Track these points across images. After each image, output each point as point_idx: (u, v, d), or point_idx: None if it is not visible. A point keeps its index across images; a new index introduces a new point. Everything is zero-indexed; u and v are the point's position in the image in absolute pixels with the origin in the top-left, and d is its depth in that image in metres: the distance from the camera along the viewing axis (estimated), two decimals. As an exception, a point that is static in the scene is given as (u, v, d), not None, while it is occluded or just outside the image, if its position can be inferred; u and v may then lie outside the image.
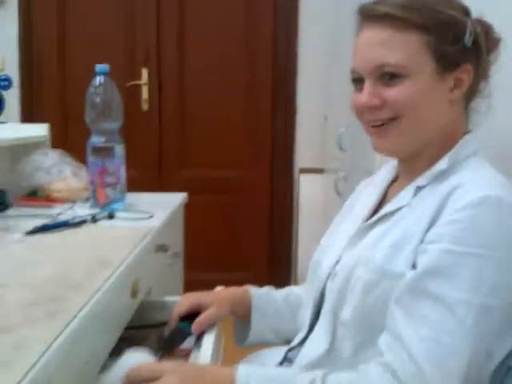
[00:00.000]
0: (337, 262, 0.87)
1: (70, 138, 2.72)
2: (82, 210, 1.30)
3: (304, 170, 2.81)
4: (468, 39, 0.78)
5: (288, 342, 0.97)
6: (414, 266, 0.74)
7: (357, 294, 0.78)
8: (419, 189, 0.81)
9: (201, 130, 2.87)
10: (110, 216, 1.24)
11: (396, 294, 0.73)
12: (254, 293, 1.01)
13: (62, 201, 1.42)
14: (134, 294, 0.97)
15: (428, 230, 0.74)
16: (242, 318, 1.01)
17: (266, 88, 2.85)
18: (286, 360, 0.91)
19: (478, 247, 0.69)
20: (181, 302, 0.98)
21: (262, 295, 1.01)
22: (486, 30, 0.82)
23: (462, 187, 0.74)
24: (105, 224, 1.20)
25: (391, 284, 0.74)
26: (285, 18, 2.81)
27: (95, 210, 1.29)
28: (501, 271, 0.68)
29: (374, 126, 0.82)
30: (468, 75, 0.80)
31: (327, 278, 0.87)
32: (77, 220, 1.18)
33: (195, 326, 0.92)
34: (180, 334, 0.93)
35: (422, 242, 0.74)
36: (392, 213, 0.82)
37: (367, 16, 0.81)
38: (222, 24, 2.81)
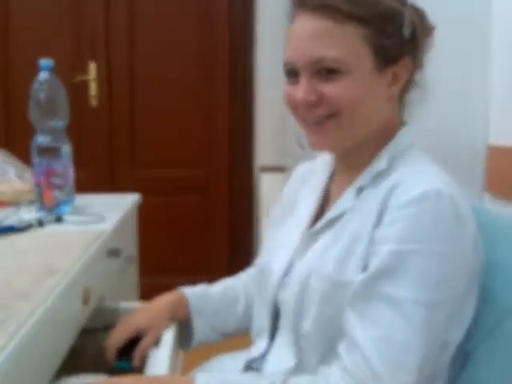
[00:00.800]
0: (286, 270, 0.86)
1: (13, 138, 2.61)
2: (28, 214, 1.24)
3: (264, 169, 2.78)
4: (406, 30, 0.76)
5: (228, 336, 0.99)
6: (364, 269, 0.74)
7: (315, 306, 0.78)
8: (361, 190, 0.81)
9: (153, 127, 2.80)
10: (58, 219, 1.19)
11: (350, 299, 0.73)
12: (190, 295, 0.98)
13: (6, 204, 1.35)
14: (85, 300, 0.93)
15: (374, 230, 0.74)
16: (181, 322, 0.98)
17: (222, 81, 2.80)
18: (250, 369, 0.89)
19: (420, 244, 0.69)
20: (115, 333, 0.93)
21: (199, 296, 0.99)
22: (421, 17, 0.81)
23: (400, 185, 0.74)
24: (52, 228, 1.15)
25: (346, 293, 0.74)
26: (240, 8, 2.77)
27: (42, 214, 1.23)
28: (444, 265, 0.70)
29: (312, 124, 0.80)
30: (406, 69, 0.79)
31: (278, 287, 0.86)
32: (22, 224, 1.12)
33: (138, 359, 0.89)
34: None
35: (370, 243, 0.74)
36: (337, 218, 0.81)
37: (303, 5, 0.78)
38: (174, 13, 2.73)
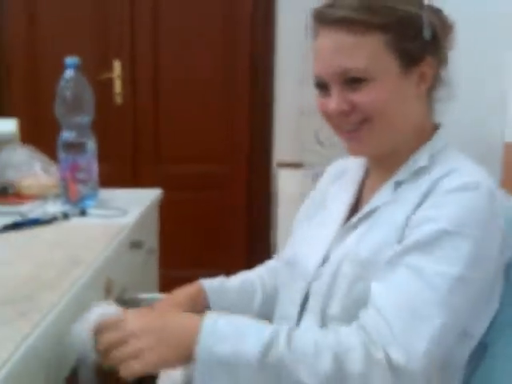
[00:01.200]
0: (323, 261, 0.87)
1: (40, 134, 2.66)
2: (53, 207, 1.27)
3: (282, 165, 2.79)
4: (427, 32, 0.78)
5: None
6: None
7: (343, 289, 0.79)
8: (398, 184, 0.82)
9: (176, 124, 2.84)
10: (82, 213, 1.22)
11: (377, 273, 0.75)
12: (208, 287, 0.99)
13: (33, 198, 1.39)
14: (107, 291, 0.96)
15: (412, 215, 0.76)
16: (199, 314, 0.99)
17: (243, 81, 2.83)
18: None
19: (457, 226, 0.72)
20: None
21: (217, 289, 1.00)
22: (440, 17, 0.83)
23: (446, 177, 0.76)
24: (77, 221, 1.18)
25: (376, 271, 0.76)
26: (263, 11, 2.79)
27: (66, 207, 1.27)
28: (478, 249, 0.72)
29: (347, 131, 0.82)
30: (430, 68, 0.81)
31: (313, 276, 0.87)
32: (48, 217, 1.15)
33: None
34: None
35: (405, 228, 0.76)
36: (373, 210, 0.83)
37: (323, 20, 0.81)
38: (198, 14, 2.75)
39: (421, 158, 0.82)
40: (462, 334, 0.74)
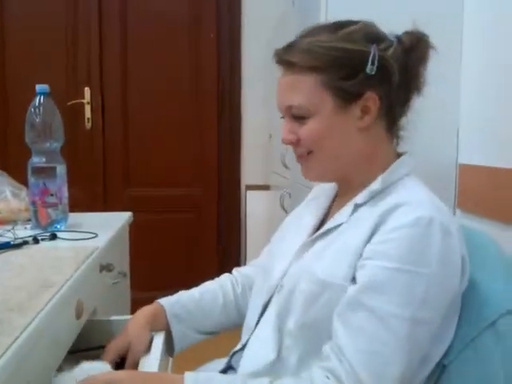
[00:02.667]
0: (284, 274, 0.91)
1: (10, 159, 2.66)
2: (24, 231, 1.28)
3: (250, 187, 2.85)
4: (370, 68, 0.82)
5: (212, 334, 1.04)
6: (353, 280, 0.78)
7: (300, 306, 0.82)
8: (357, 206, 0.86)
9: (145, 148, 2.87)
10: (53, 236, 1.23)
11: (338, 308, 0.77)
12: (165, 303, 1.02)
13: (3, 222, 1.39)
14: (78, 314, 0.97)
15: (365, 246, 0.79)
16: (163, 330, 1.01)
17: (211, 106, 2.89)
18: (230, 368, 0.94)
19: (409, 264, 0.74)
20: (105, 356, 0.95)
21: (174, 302, 1.03)
22: (412, 44, 0.87)
23: (398, 208, 0.78)
24: (47, 245, 1.19)
25: (332, 296, 0.79)
26: (227, 37, 2.86)
27: (37, 231, 1.27)
28: (430, 287, 0.74)
29: (298, 157, 0.90)
30: (374, 102, 0.84)
31: (275, 289, 0.91)
32: (18, 241, 1.16)
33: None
34: None
35: (360, 256, 0.78)
36: (333, 229, 0.87)
37: (276, 61, 0.89)
38: (165, 42, 2.83)
39: (375, 183, 0.86)
40: (422, 360, 0.76)
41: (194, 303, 1.04)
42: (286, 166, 2.12)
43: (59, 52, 2.78)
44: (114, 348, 0.95)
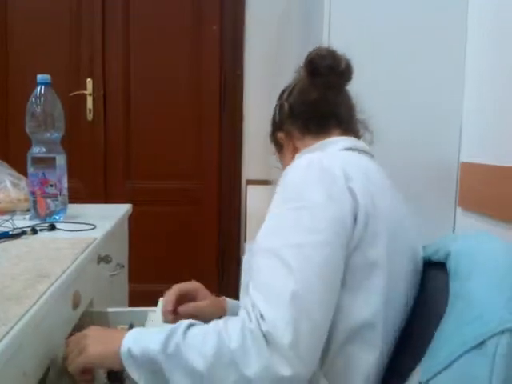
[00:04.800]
0: None
1: (11, 149, 2.66)
2: (22, 222, 1.28)
3: (251, 182, 2.85)
4: (276, 116, 1.08)
5: None
6: None
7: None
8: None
9: (146, 140, 2.87)
10: (51, 227, 1.23)
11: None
12: (229, 303, 1.10)
13: (2, 212, 1.39)
14: (75, 305, 0.97)
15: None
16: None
17: (212, 99, 2.88)
18: None
19: (291, 202, 0.81)
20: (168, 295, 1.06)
21: (236, 305, 1.08)
22: (312, 66, 1.00)
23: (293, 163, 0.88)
24: (45, 235, 1.19)
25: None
26: (231, 32, 2.85)
27: (35, 222, 1.27)
28: (314, 214, 0.78)
29: None
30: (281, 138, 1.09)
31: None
32: (17, 231, 1.16)
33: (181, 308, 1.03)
34: None
35: None
36: None
37: None
38: (168, 34, 2.82)
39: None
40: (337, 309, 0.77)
41: None
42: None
43: (62, 43, 2.77)
44: (178, 287, 1.07)
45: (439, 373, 0.70)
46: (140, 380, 0.77)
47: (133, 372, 0.78)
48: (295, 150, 1.04)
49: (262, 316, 0.71)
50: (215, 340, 0.73)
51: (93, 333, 0.86)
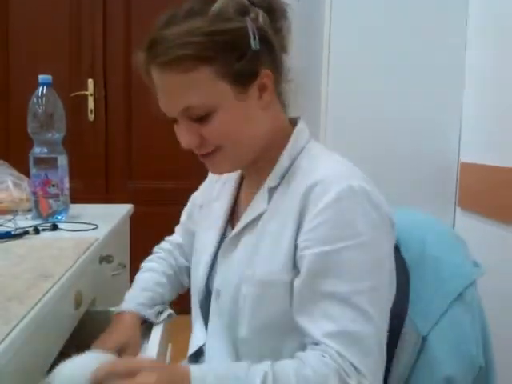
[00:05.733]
0: (209, 274, 0.90)
1: (12, 149, 2.66)
2: (24, 222, 1.28)
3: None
4: (254, 43, 0.76)
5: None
6: (294, 271, 0.77)
7: (247, 313, 0.80)
8: (272, 190, 0.83)
9: (148, 140, 2.87)
10: (53, 227, 1.23)
11: (295, 307, 0.76)
12: (133, 306, 0.99)
13: (4, 212, 1.39)
14: (77, 304, 0.97)
15: (298, 233, 0.77)
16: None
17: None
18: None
19: (343, 241, 0.73)
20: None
21: (136, 297, 1.02)
22: (269, 7, 0.79)
23: (315, 188, 0.76)
24: (47, 235, 1.19)
25: (276, 292, 0.78)
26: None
27: (38, 221, 1.28)
28: (371, 253, 0.74)
29: (201, 155, 0.84)
30: (269, 76, 0.79)
31: (205, 289, 0.90)
32: (19, 231, 1.16)
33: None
34: None
35: (295, 247, 0.77)
36: (254, 221, 0.84)
37: (153, 61, 0.78)
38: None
39: (284, 161, 0.83)
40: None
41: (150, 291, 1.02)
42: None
43: (63, 43, 2.78)
44: (111, 340, 0.90)
45: (436, 324, 0.86)
46: None
47: None
48: (266, 109, 0.81)
49: (357, 370, 0.69)
50: None
51: (154, 375, 0.68)
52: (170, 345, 1.10)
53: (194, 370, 0.70)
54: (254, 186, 0.87)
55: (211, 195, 1.00)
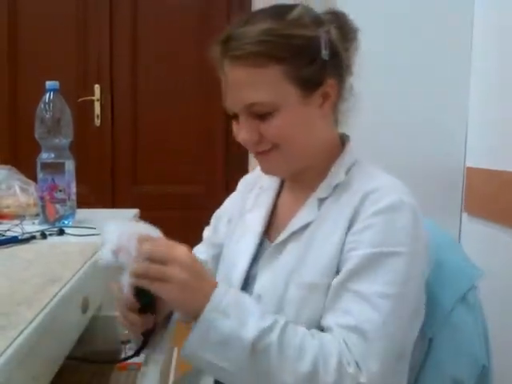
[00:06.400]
0: (246, 281, 0.89)
1: (20, 154, 2.68)
2: (32, 226, 1.29)
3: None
4: (325, 54, 0.80)
5: None
6: (337, 273, 0.78)
7: (292, 315, 0.80)
8: (321, 201, 0.84)
9: (154, 146, 2.88)
10: (60, 232, 1.24)
11: (326, 302, 0.78)
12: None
13: (11, 217, 1.40)
14: (84, 309, 0.97)
15: (345, 237, 0.79)
16: None
17: (220, 104, 2.88)
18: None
19: (389, 247, 0.76)
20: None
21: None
22: (341, 25, 0.84)
23: (368, 197, 0.79)
24: (55, 240, 1.20)
25: (320, 296, 0.79)
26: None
27: (45, 226, 1.28)
28: (409, 264, 0.76)
29: (257, 152, 0.86)
30: (332, 86, 0.83)
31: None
32: (26, 236, 1.17)
33: None
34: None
35: (341, 251, 0.79)
36: (301, 229, 0.84)
37: (226, 54, 0.82)
38: (175, 39, 2.83)
39: (338, 173, 0.85)
40: (407, 335, 0.78)
41: None
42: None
43: (69, 49, 2.80)
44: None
45: (441, 325, 0.88)
46: (205, 352, 0.71)
47: (206, 340, 0.70)
48: (324, 119, 0.85)
49: (358, 366, 0.71)
50: (310, 364, 0.70)
51: (184, 274, 0.72)
52: (175, 348, 1.10)
53: (218, 294, 0.72)
54: (297, 195, 0.89)
55: (244, 207, 1.00)
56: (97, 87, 2.82)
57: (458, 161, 1.60)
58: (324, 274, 0.79)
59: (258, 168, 0.95)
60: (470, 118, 1.60)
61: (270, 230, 0.93)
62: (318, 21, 0.81)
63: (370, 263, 0.75)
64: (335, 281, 0.77)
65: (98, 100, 2.83)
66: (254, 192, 1.00)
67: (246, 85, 0.80)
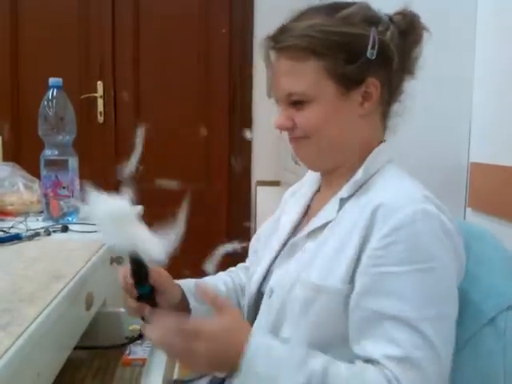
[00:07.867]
0: (265, 278, 0.90)
1: (23, 152, 2.69)
2: (36, 223, 1.29)
3: (261, 183, 2.86)
4: (371, 53, 0.79)
5: None
6: (351, 283, 0.75)
7: (295, 313, 0.79)
8: (343, 201, 0.83)
9: (157, 143, 2.87)
10: (64, 229, 1.24)
11: (355, 324, 0.74)
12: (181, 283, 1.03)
13: (15, 214, 1.40)
14: (88, 306, 0.98)
15: (363, 248, 0.75)
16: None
17: (222, 101, 2.89)
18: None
19: (417, 263, 0.71)
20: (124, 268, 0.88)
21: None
22: (405, 27, 0.84)
23: (384, 205, 0.75)
24: (58, 237, 1.20)
25: (327, 299, 0.76)
26: (240, 29, 2.85)
27: (49, 223, 1.29)
28: (443, 279, 0.73)
29: (292, 139, 0.87)
30: (375, 87, 0.82)
31: (257, 292, 0.90)
32: (30, 233, 1.17)
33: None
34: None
35: (358, 260, 0.75)
36: (321, 227, 0.84)
37: (271, 46, 0.85)
38: (177, 39, 2.83)
39: (361, 174, 0.83)
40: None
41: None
42: (296, 163, 2.12)
43: (72, 46, 2.80)
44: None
45: (461, 349, 0.77)
46: None
47: None
48: (364, 118, 0.84)
49: None
50: None
51: (210, 346, 0.70)
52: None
53: (247, 355, 0.70)
54: (327, 196, 0.88)
55: (283, 211, 1.01)
56: (100, 84, 2.82)
57: (462, 156, 1.59)
58: (335, 279, 0.76)
59: (301, 180, 1.00)
60: (474, 113, 1.60)
61: (301, 228, 0.92)
62: (371, 20, 0.82)
63: (398, 283, 0.71)
64: (359, 298, 0.73)
65: (101, 97, 2.83)
66: (294, 197, 1.02)
67: (286, 75, 0.83)
